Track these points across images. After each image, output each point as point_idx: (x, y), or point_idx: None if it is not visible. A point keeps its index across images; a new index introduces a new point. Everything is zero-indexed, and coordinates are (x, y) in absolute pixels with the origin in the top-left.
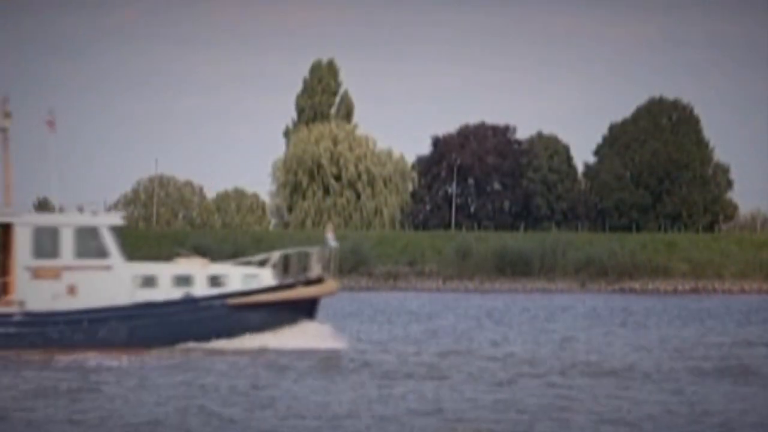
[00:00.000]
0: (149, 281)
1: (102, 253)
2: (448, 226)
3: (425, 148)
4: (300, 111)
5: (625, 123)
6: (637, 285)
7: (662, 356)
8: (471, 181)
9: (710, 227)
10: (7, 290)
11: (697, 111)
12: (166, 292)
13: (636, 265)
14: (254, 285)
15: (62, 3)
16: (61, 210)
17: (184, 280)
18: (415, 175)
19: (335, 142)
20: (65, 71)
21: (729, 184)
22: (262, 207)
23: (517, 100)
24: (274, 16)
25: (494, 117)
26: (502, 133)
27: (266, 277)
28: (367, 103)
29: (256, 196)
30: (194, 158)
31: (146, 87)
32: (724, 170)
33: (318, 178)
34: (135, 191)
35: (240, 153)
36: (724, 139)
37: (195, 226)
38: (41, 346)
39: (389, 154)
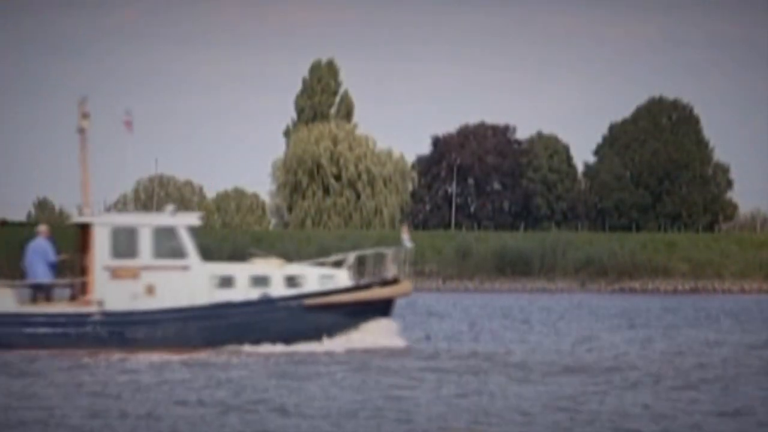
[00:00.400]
0: (226, 282)
1: (180, 253)
2: (447, 225)
3: (425, 148)
4: (300, 111)
5: (625, 123)
6: (637, 285)
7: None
8: (471, 180)
9: (710, 227)
10: (86, 290)
11: (697, 111)
12: (243, 292)
13: (636, 265)
14: (331, 285)
15: (62, 3)
16: (61, 212)
17: (261, 281)
18: (414, 174)
19: (335, 142)
20: (65, 71)
21: (729, 183)
22: (262, 207)
23: (516, 100)
24: (273, 16)
25: (494, 117)
26: (502, 132)
27: (342, 277)
28: (367, 103)
29: (255, 196)
30: (194, 158)
31: (146, 87)
32: (724, 170)
33: (318, 177)
34: (135, 191)
35: (240, 153)
36: (724, 139)
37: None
38: (119, 346)
39: (389, 153)
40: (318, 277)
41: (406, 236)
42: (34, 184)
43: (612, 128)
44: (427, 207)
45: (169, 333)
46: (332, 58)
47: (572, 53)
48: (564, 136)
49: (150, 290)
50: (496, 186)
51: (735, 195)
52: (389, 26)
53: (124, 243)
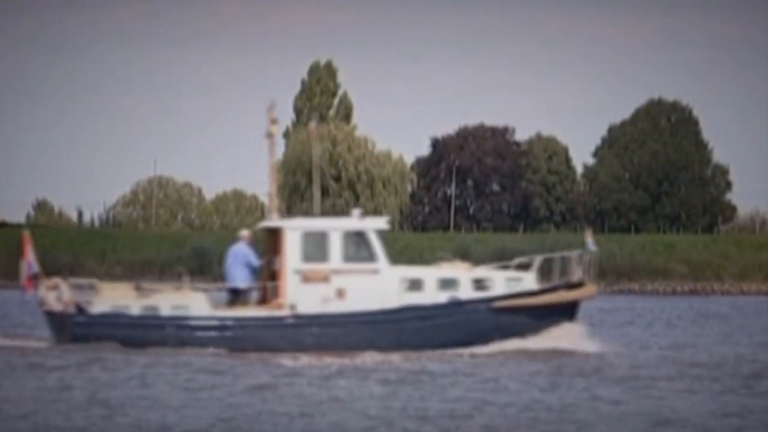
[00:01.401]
0: (415, 285)
1: (370, 256)
2: (447, 227)
3: (424, 149)
4: (299, 112)
5: (624, 124)
6: (636, 286)
7: None
8: (470, 182)
9: (709, 228)
10: (278, 293)
11: (696, 112)
12: (431, 295)
13: (635, 267)
14: (518, 288)
15: (62, 3)
16: (60, 213)
17: (449, 284)
18: (414, 176)
19: (334, 144)
20: (65, 71)
21: (728, 185)
22: (261, 208)
23: (516, 101)
24: (272, 17)
25: (493, 118)
26: (501, 134)
27: (529, 280)
28: (366, 105)
29: (255, 197)
30: (193, 160)
31: (145, 88)
32: (723, 171)
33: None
34: (134, 192)
35: (239, 154)
36: (724, 140)
37: (194, 228)
38: (312, 348)
39: (388, 155)
40: (505, 280)
41: (590, 240)
42: (34, 185)
43: (611, 130)
44: (426, 208)
45: (359, 336)
46: (331, 59)
47: (571, 54)
48: (563, 138)
49: (340, 293)
50: (495, 187)
51: (734, 196)
52: (388, 27)
53: (315, 247)
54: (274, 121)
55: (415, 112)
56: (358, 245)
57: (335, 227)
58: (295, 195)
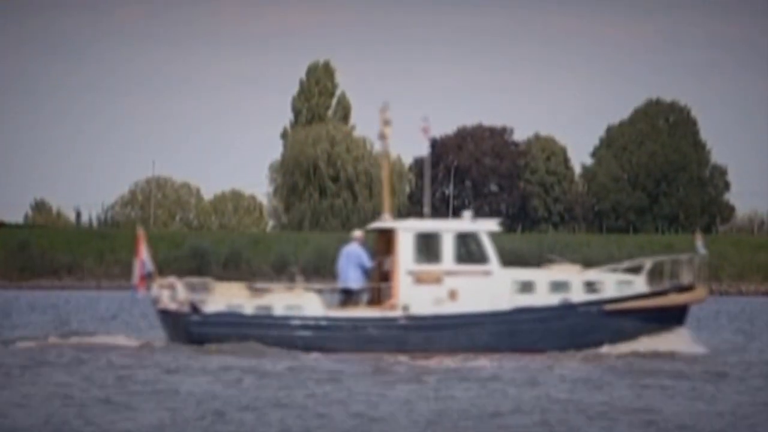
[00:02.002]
0: (527, 287)
1: (481, 258)
2: None
3: (422, 150)
4: (297, 113)
5: (622, 125)
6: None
7: None
8: (468, 182)
9: (707, 229)
10: (391, 294)
11: (694, 113)
12: (543, 298)
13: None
14: (628, 291)
15: (62, 3)
16: (59, 214)
17: (560, 286)
18: (412, 176)
19: (332, 144)
20: (64, 71)
21: (726, 185)
22: (260, 208)
23: (514, 101)
24: (270, 18)
25: (491, 118)
26: (500, 134)
27: (639, 283)
28: (364, 105)
29: (253, 197)
30: (191, 160)
31: (143, 88)
32: (722, 172)
33: (315, 179)
34: (132, 192)
35: (237, 155)
36: (722, 140)
37: (192, 228)
38: (424, 350)
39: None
40: (616, 283)
41: (699, 243)
42: (32, 185)
43: (609, 130)
44: (425, 209)
45: (471, 338)
46: (329, 60)
47: (569, 55)
48: (561, 138)
49: (453, 295)
50: (494, 188)
51: (732, 197)
52: (386, 28)
53: (427, 248)
54: (387, 123)
55: (413, 113)
56: (470, 247)
57: (448, 229)
58: (294, 195)
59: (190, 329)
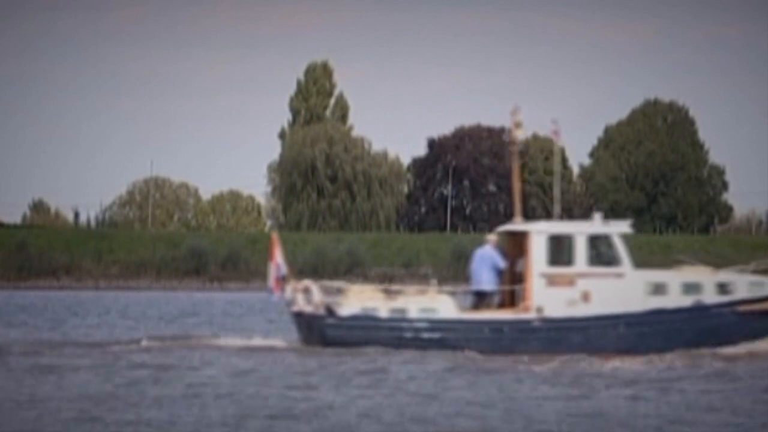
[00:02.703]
0: (659, 288)
1: (614, 260)
2: (443, 227)
3: (420, 150)
4: (295, 113)
5: (620, 125)
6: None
7: None
8: (466, 182)
9: (705, 229)
10: (525, 297)
11: (692, 113)
12: (675, 299)
13: None
14: (760, 293)
15: (62, 3)
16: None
17: (693, 288)
18: (410, 176)
19: (331, 144)
20: (62, 72)
21: (724, 185)
22: (258, 209)
23: (512, 101)
24: (268, 18)
25: (489, 118)
26: (498, 134)
27: None
28: (362, 105)
29: (251, 197)
30: (190, 160)
31: (141, 89)
32: (720, 172)
33: (313, 180)
34: (130, 193)
35: (235, 155)
36: (720, 140)
37: (190, 228)
38: (558, 352)
39: (384, 155)
40: (748, 284)
41: None
42: (30, 185)
43: (607, 130)
44: (423, 209)
45: (605, 339)
46: (326, 60)
47: (568, 55)
48: (559, 138)
49: (585, 297)
50: (492, 188)
51: (730, 197)
52: (384, 28)
53: (560, 250)
54: (518, 125)
55: (411, 113)
56: (602, 249)
57: (580, 231)
58: (292, 195)
59: (325, 332)
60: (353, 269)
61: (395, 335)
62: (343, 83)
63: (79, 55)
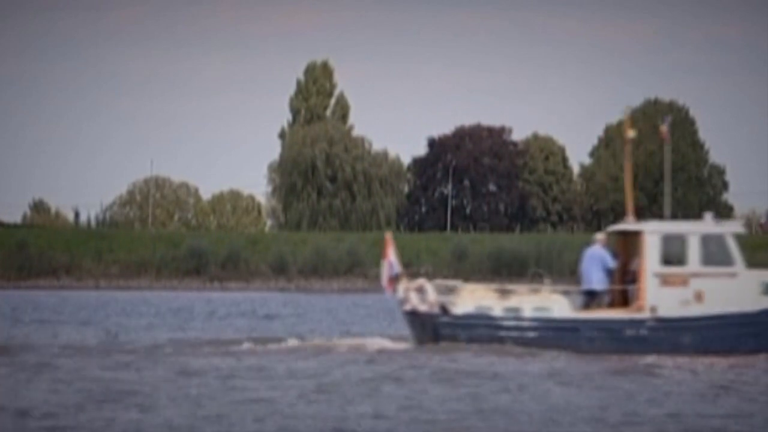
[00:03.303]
0: None
1: (727, 260)
2: (443, 227)
3: (421, 149)
4: (295, 112)
5: (620, 124)
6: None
7: None
8: (466, 182)
9: None
10: (638, 296)
11: (693, 113)
12: None
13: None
14: None
15: (62, 3)
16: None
17: None
18: (410, 176)
19: (331, 144)
20: (62, 72)
21: (725, 185)
22: (258, 208)
23: (512, 101)
24: (269, 18)
25: (490, 118)
26: (498, 134)
27: None
28: (362, 105)
29: (251, 197)
30: (190, 160)
31: (141, 88)
32: (720, 172)
33: (313, 179)
34: (130, 192)
35: (235, 155)
36: (720, 140)
37: (190, 228)
38: (671, 352)
39: (385, 155)
40: None
41: None
42: (30, 185)
43: (608, 129)
44: (423, 209)
45: (718, 339)
46: (326, 60)
47: (568, 55)
48: (560, 138)
49: (699, 297)
50: (492, 187)
51: (731, 197)
52: (384, 27)
53: (674, 250)
54: (630, 124)
55: (411, 112)
56: (716, 249)
57: (694, 231)
58: (292, 195)
59: (440, 330)
60: (353, 269)
61: (509, 334)
62: (343, 83)
63: (79, 55)
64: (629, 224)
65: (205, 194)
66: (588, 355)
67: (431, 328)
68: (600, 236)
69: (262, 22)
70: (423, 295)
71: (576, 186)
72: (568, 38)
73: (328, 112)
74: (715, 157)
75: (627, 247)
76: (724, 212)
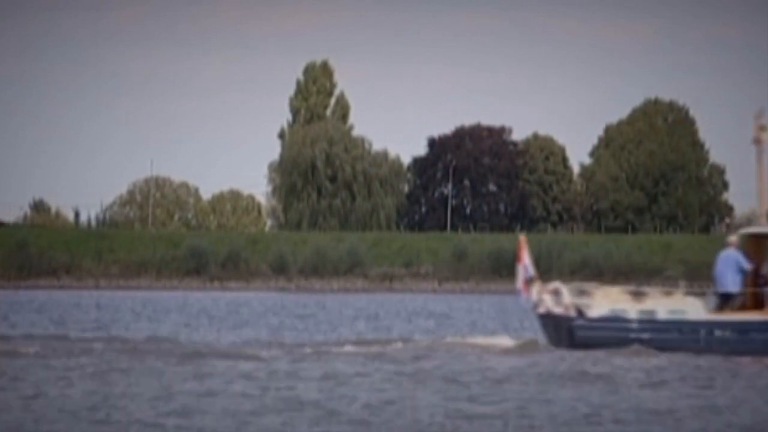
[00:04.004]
0: None
1: None
2: (443, 227)
3: (421, 149)
4: (295, 112)
5: (620, 124)
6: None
7: None
8: (466, 182)
9: (706, 229)
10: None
11: (693, 112)
12: None
13: (632, 267)
14: None
15: (62, 3)
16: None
17: None
18: (410, 176)
19: (331, 144)
20: (62, 72)
21: (724, 185)
22: (258, 208)
23: (512, 101)
24: (269, 17)
25: (490, 118)
26: (498, 134)
27: None
28: (362, 105)
29: (251, 197)
30: (190, 159)
31: (142, 88)
32: (720, 171)
33: (313, 179)
34: (130, 192)
35: (235, 155)
36: (720, 140)
37: (191, 228)
38: None
39: (385, 155)
40: None
41: None
42: (31, 185)
43: (608, 129)
44: (423, 208)
45: None
46: (326, 59)
47: (568, 54)
48: (560, 138)
49: None
50: (492, 187)
51: (731, 196)
52: (385, 27)
53: None
54: (763, 128)
55: (411, 112)
56: None
57: None
58: (292, 195)
59: (575, 333)
60: (353, 269)
61: (645, 337)
62: (343, 83)
63: (79, 55)
64: (763, 227)
65: (205, 194)
66: (722, 357)
67: (566, 331)
68: (732, 239)
69: (261, 22)
70: (558, 297)
71: (576, 186)
72: (568, 38)
73: (328, 112)
74: (715, 157)
75: (759, 250)
76: (724, 212)
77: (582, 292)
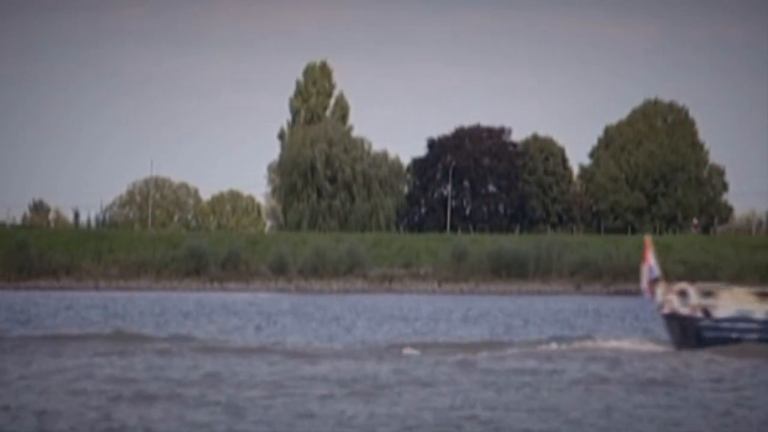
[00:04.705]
0: None
1: None
2: (443, 228)
3: (420, 150)
4: (295, 113)
5: (620, 125)
6: (632, 287)
7: None
8: (466, 183)
9: (705, 229)
10: None
11: (692, 113)
12: None
13: (631, 267)
14: None
15: (62, 3)
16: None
17: None
18: (410, 176)
19: (330, 144)
20: (62, 72)
21: (724, 186)
22: (258, 209)
23: (512, 102)
24: (268, 17)
25: (489, 119)
26: (498, 135)
27: None
28: (362, 105)
29: (251, 198)
30: (189, 160)
31: (142, 88)
32: (720, 172)
33: (313, 180)
34: (130, 193)
35: (235, 155)
36: (720, 141)
37: (190, 228)
38: None
39: (384, 155)
40: None
41: None
42: (30, 185)
43: (607, 130)
44: (423, 209)
45: None
46: (325, 60)
47: (568, 55)
48: (559, 138)
49: None
50: (492, 188)
51: (730, 197)
52: (384, 28)
53: None
54: None
55: (411, 113)
56: None
57: None
58: (292, 195)
59: (701, 334)
60: (353, 269)
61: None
62: (342, 83)
63: (79, 55)
64: None
65: (205, 195)
66: None
67: (692, 332)
68: None
69: (261, 22)
70: (685, 298)
71: (576, 187)
72: (568, 38)
73: (328, 113)
74: (715, 157)
75: None
76: (724, 212)
77: (707, 293)
